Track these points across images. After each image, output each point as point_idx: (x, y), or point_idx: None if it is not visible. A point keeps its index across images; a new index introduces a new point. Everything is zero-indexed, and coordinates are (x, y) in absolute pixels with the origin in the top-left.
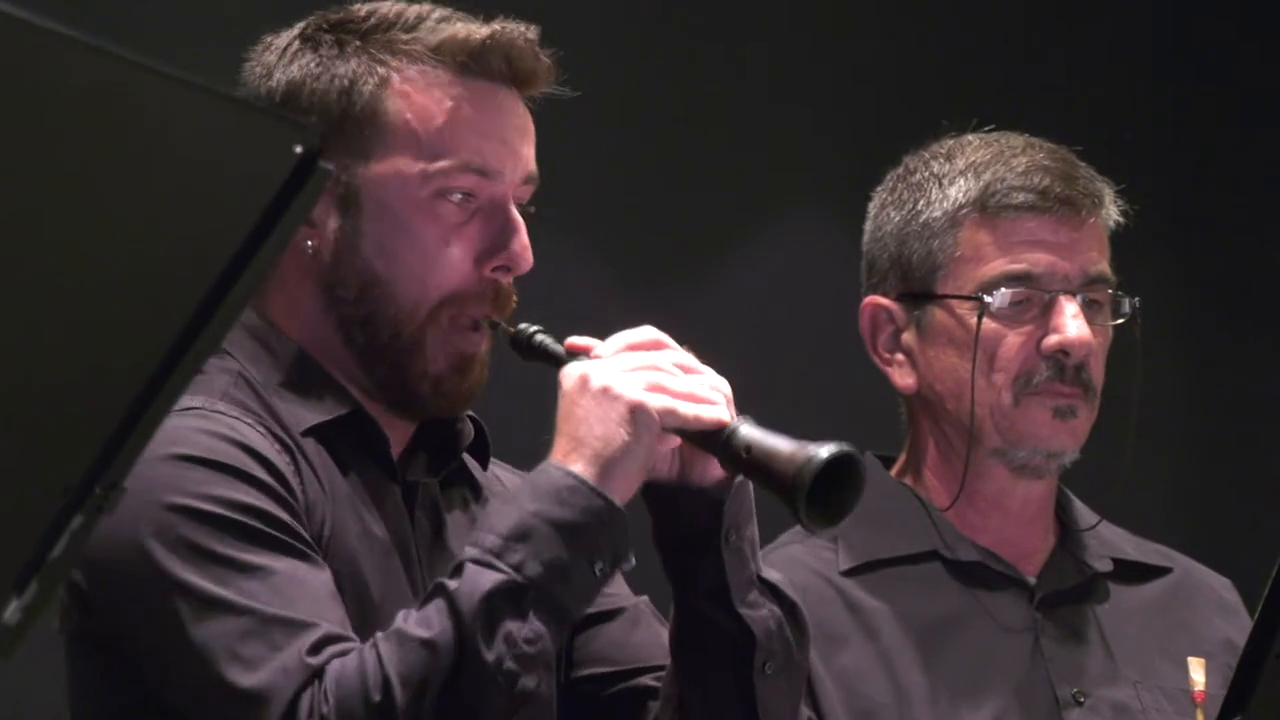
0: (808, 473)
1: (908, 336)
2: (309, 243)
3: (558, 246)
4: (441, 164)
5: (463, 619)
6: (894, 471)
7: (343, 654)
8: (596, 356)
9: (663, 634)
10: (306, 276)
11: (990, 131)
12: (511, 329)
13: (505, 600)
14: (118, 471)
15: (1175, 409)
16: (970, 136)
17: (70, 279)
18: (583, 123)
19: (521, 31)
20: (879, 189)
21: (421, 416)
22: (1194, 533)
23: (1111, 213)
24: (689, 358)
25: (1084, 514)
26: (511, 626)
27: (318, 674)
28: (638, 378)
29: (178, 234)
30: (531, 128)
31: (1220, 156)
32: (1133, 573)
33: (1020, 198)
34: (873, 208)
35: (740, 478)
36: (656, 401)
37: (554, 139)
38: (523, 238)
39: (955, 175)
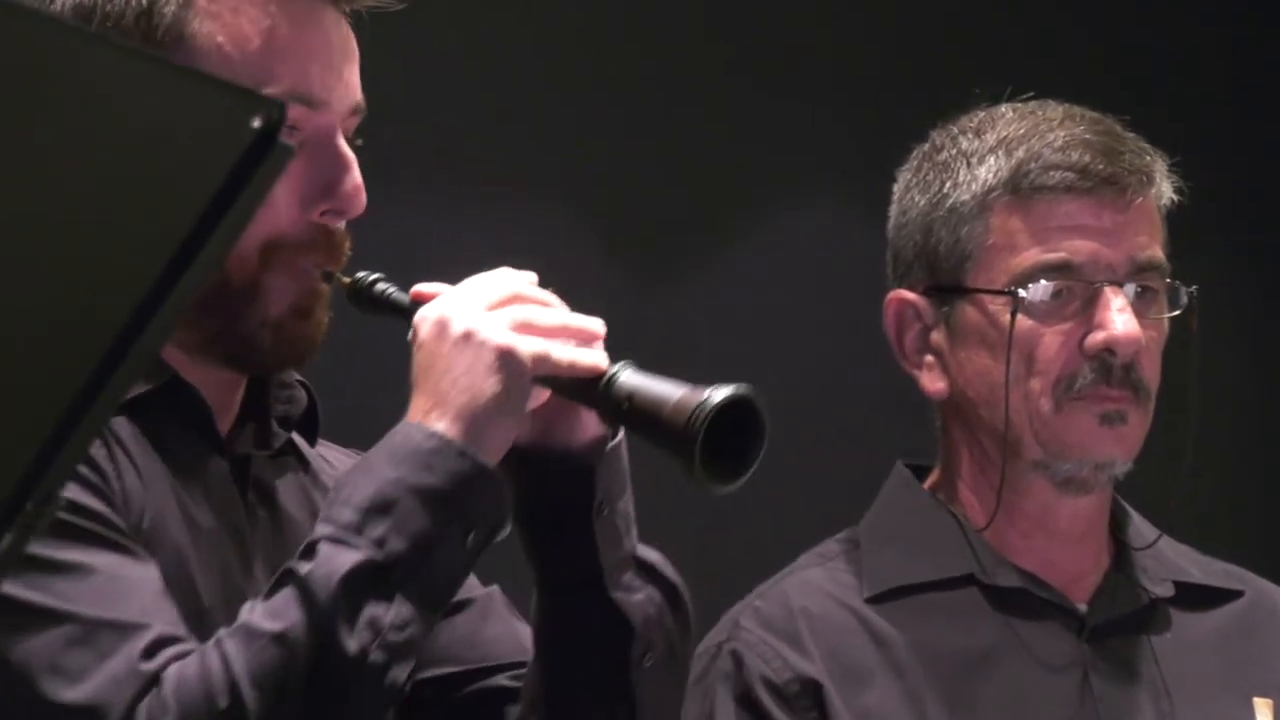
0: (699, 421)
1: (937, 335)
2: None
3: (558, 228)
4: (266, 92)
5: (318, 606)
6: (928, 484)
7: (180, 656)
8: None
9: (518, 627)
10: None
11: (1028, 100)
12: (347, 279)
13: (367, 582)
14: (52, 484)
15: (1242, 411)
16: (1004, 107)
17: None
18: (584, 106)
19: None
20: (903, 168)
21: (261, 370)
22: (1264, 549)
23: (1165, 190)
24: (551, 295)
25: (1143, 531)
26: (376, 611)
27: (154, 681)
28: (502, 316)
29: (118, 221)
30: (356, 49)
31: None
32: (1197, 597)
33: (1056, 177)
34: (897, 189)
35: (616, 440)
36: (528, 345)
37: (557, 122)
38: (355, 176)
39: (985, 153)
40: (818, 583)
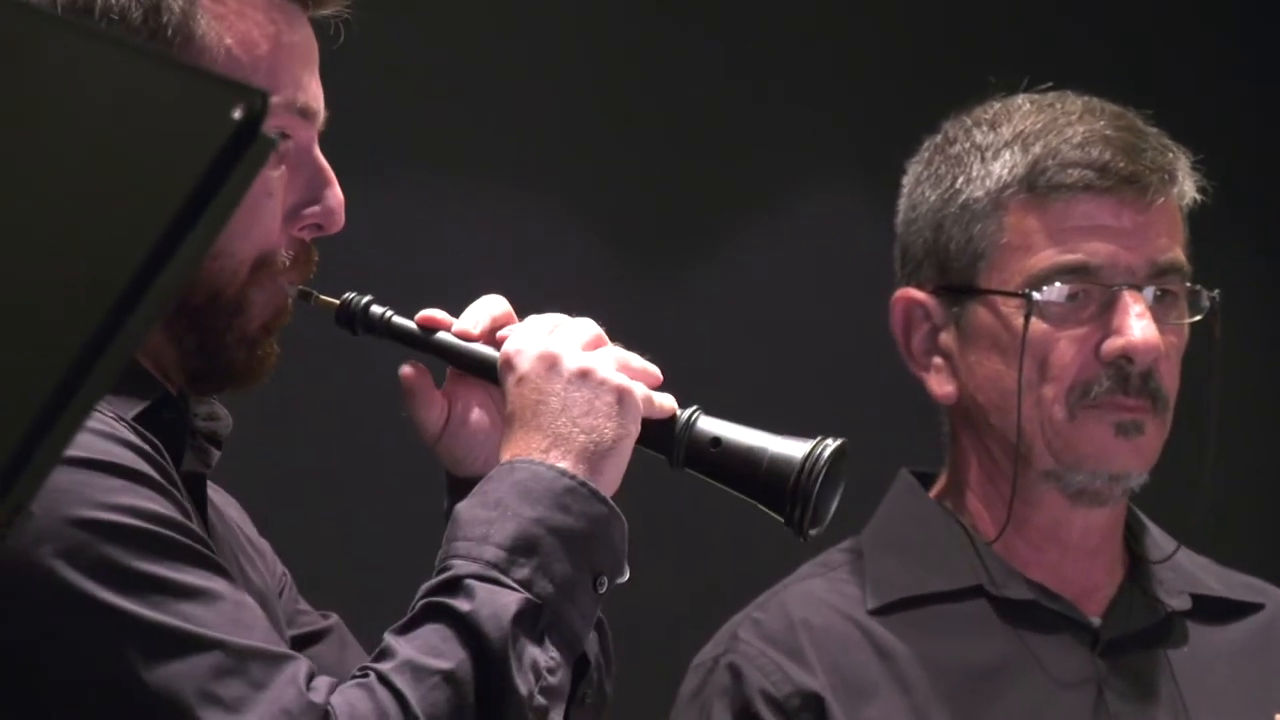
0: (812, 479)
1: (946, 337)
2: None
3: (558, 226)
4: (272, 101)
5: (490, 647)
6: (934, 493)
7: (334, 689)
8: (503, 335)
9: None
10: None
11: (1045, 92)
12: (333, 300)
13: (527, 625)
14: (22, 494)
15: (1266, 417)
16: (1020, 99)
17: None
18: (584, 104)
19: None
20: (914, 161)
21: (220, 389)
22: None
23: (1187, 189)
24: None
25: (1159, 542)
26: (534, 654)
27: (325, 714)
28: (607, 357)
29: (94, 216)
30: None
31: None
32: (1216, 610)
33: (1075, 175)
34: (907, 183)
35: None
36: (639, 387)
37: (556, 120)
38: (338, 191)
39: (1000, 147)
40: (819, 594)
